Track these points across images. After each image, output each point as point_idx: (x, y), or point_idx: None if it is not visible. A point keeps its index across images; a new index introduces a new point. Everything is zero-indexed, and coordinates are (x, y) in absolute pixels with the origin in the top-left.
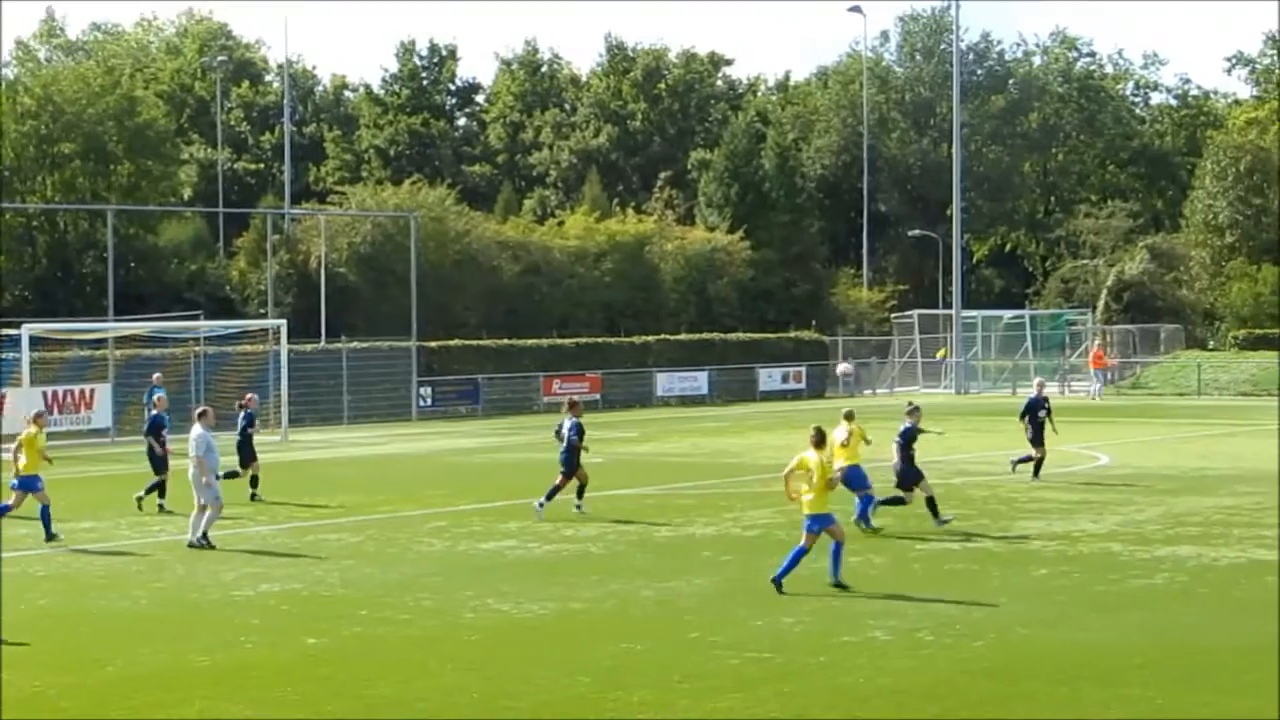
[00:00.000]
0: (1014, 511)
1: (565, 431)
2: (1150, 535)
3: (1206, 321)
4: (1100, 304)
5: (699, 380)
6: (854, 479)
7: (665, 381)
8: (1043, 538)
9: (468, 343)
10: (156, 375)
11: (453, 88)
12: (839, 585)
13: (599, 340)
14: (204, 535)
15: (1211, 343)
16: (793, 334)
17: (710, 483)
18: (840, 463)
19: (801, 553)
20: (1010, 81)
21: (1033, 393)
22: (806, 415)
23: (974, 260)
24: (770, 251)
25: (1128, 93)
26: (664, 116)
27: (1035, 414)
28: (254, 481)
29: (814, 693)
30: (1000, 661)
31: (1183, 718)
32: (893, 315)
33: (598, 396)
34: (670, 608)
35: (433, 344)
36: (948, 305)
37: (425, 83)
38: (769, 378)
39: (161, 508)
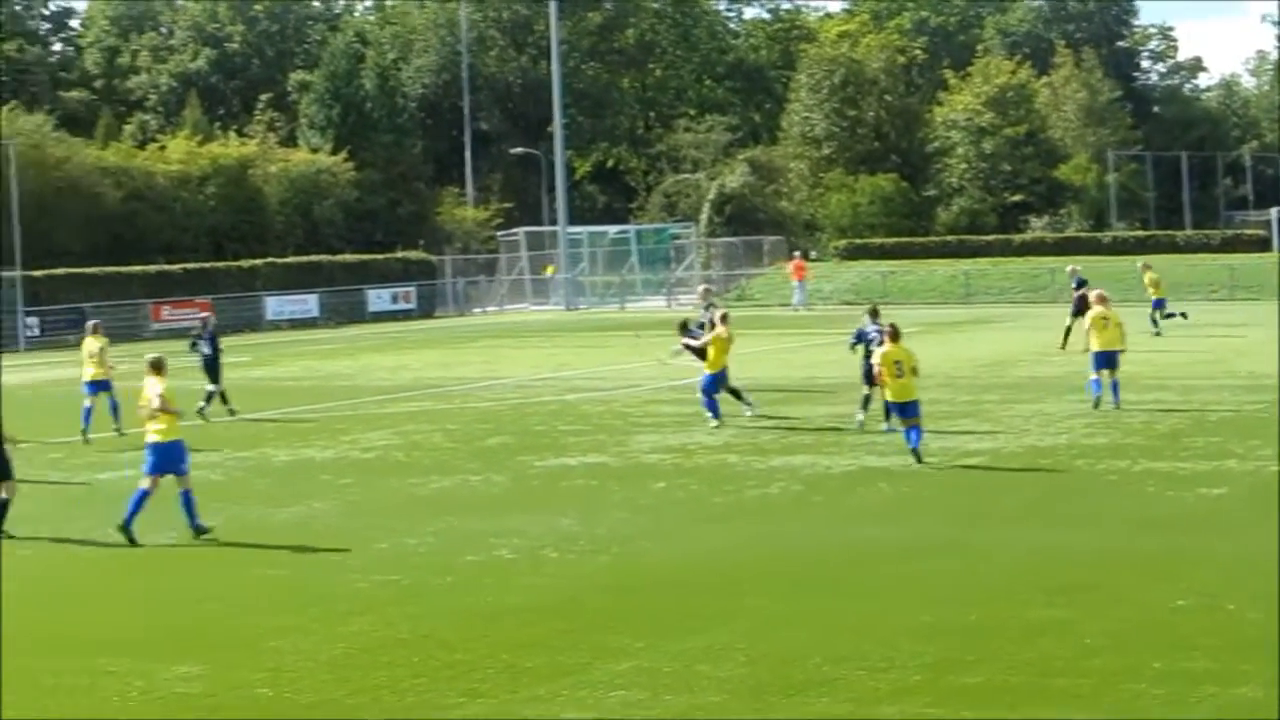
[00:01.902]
0: (629, 426)
1: None
2: (765, 446)
3: (808, 232)
4: (703, 217)
5: (309, 303)
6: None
7: (275, 305)
8: (659, 451)
9: (74, 271)
10: None
11: (46, 13)
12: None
13: (206, 265)
14: None
15: (814, 253)
16: (400, 254)
17: (325, 405)
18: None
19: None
20: None
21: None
22: (417, 335)
23: (577, 177)
24: (374, 172)
25: (721, 8)
26: (262, 38)
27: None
28: None
29: (442, 613)
30: (623, 576)
31: (800, 622)
32: (499, 233)
33: None
34: (295, 532)
35: (38, 273)
36: (553, 222)
37: (17, 8)
38: (379, 298)
39: None
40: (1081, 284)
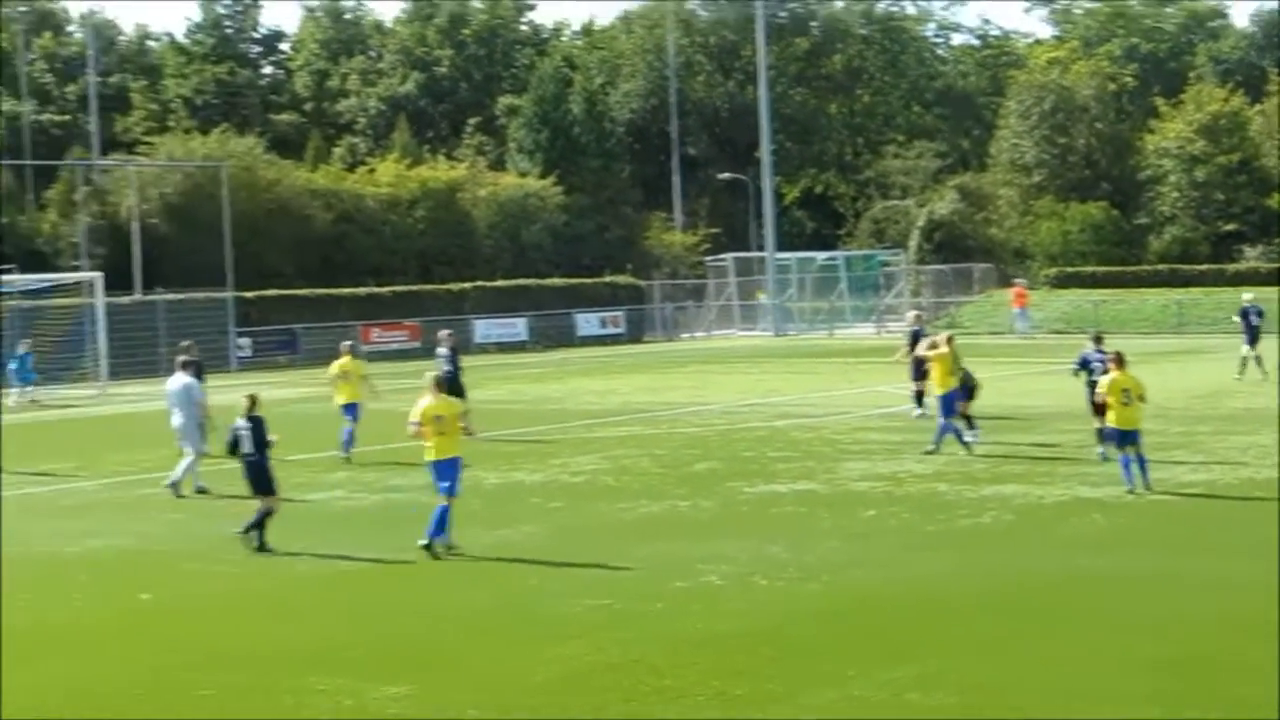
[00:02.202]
0: (839, 453)
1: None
2: (976, 474)
3: (1018, 260)
4: (913, 244)
5: (517, 327)
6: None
7: (484, 328)
8: (869, 479)
9: (284, 292)
10: None
11: (257, 35)
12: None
13: (415, 288)
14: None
15: (1024, 281)
16: (609, 278)
17: (534, 429)
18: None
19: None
20: (813, 24)
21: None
22: (625, 360)
23: (785, 202)
24: (582, 196)
25: (929, 34)
26: (470, 63)
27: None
28: None
29: (653, 639)
30: (835, 603)
31: (1012, 652)
32: (707, 259)
33: (418, 344)
34: (505, 554)
35: (249, 294)
36: (760, 248)
37: (229, 31)
38: (587, 323)
39: None
40: (1250, 313)
